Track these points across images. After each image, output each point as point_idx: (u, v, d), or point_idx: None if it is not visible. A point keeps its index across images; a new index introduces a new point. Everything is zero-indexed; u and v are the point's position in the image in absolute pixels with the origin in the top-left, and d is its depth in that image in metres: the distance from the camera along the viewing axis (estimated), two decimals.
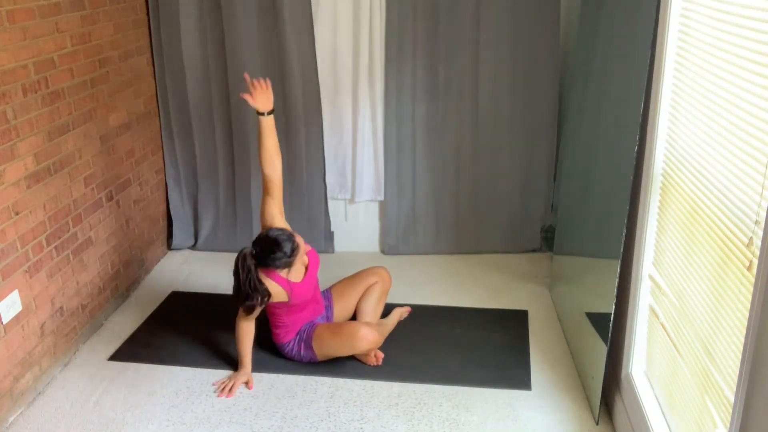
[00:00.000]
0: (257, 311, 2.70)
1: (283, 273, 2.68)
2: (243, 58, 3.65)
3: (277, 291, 2.67)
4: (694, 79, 1.91)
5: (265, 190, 2.79)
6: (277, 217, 2.77)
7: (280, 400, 2.72)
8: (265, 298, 2.63)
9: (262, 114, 2.74)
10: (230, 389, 2.73)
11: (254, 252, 2.60)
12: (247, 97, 2.74)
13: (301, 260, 2.73)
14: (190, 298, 3.53)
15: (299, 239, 2.69)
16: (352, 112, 3.79)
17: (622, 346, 2.50)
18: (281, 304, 2.75)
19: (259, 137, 2.76)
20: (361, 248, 4.06)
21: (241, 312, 2.72)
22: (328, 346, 2.83)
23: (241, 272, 2.57)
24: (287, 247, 2.60)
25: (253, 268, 2.58)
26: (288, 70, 3.64)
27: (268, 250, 2.59)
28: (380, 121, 3.79)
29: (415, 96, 3.69)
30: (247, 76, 2.77)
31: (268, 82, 2.77)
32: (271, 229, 2.67)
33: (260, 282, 2.60)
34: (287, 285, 2.70)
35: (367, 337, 2.79)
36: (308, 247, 2.82)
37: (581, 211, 3.00)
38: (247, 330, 2.77)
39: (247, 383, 2.78)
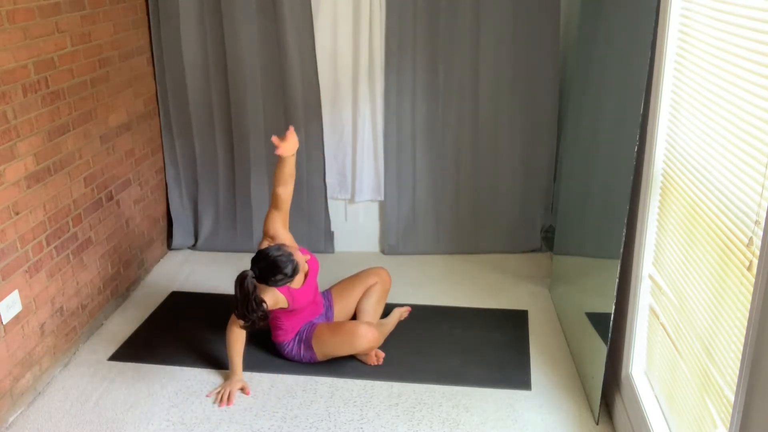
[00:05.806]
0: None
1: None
2: (243, 58, 3.65)
3: (277, 299, 2.68)
4: (694, 79, 1.91)
5: (274, 205, 2.76)
6: (280, 230, 2.77)
7: (280, 400, 2.72)
8: (264, 319, 2.60)
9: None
10: (228, 398, 2.69)
11: (254, 274, 2.57)
12: (276, 141, 2.66)
13: (302, 272, 2.74)
14: (190, 298, 3.53)
15: (298, 255, 2.66)
16: (352, 112, 3.79)
17: (622, 346, 2.50)
18: (280, 309, 2.75)
19: (282, 165, 2.71)
20: (361, 248, 4.06)
21: (235, 318, 2.67)
22: (328, 345, 2.84)
23: (240, 294, 2.54)
24: (288, 269, 2.57)
25: (252, 289, 2.54)
26: (288, 71, 3.64)
27: (269, 272, 2.57)
28: (380, 121, 3.79)
29: (415, 96, 3.69)
30: (274, 138, 2.68)
31: (291, 128, 2.73)
32: (269, 248, 2.62)
33: (258, 304, 2.56)
34: (288, 293, 2.72)
35: (367, 336, 2.80)
36: (308, 256, 2.80)
37: (581, 211, 3.00)
38: (239, 336, 2.73)
39: (242, 389, 2.75)
